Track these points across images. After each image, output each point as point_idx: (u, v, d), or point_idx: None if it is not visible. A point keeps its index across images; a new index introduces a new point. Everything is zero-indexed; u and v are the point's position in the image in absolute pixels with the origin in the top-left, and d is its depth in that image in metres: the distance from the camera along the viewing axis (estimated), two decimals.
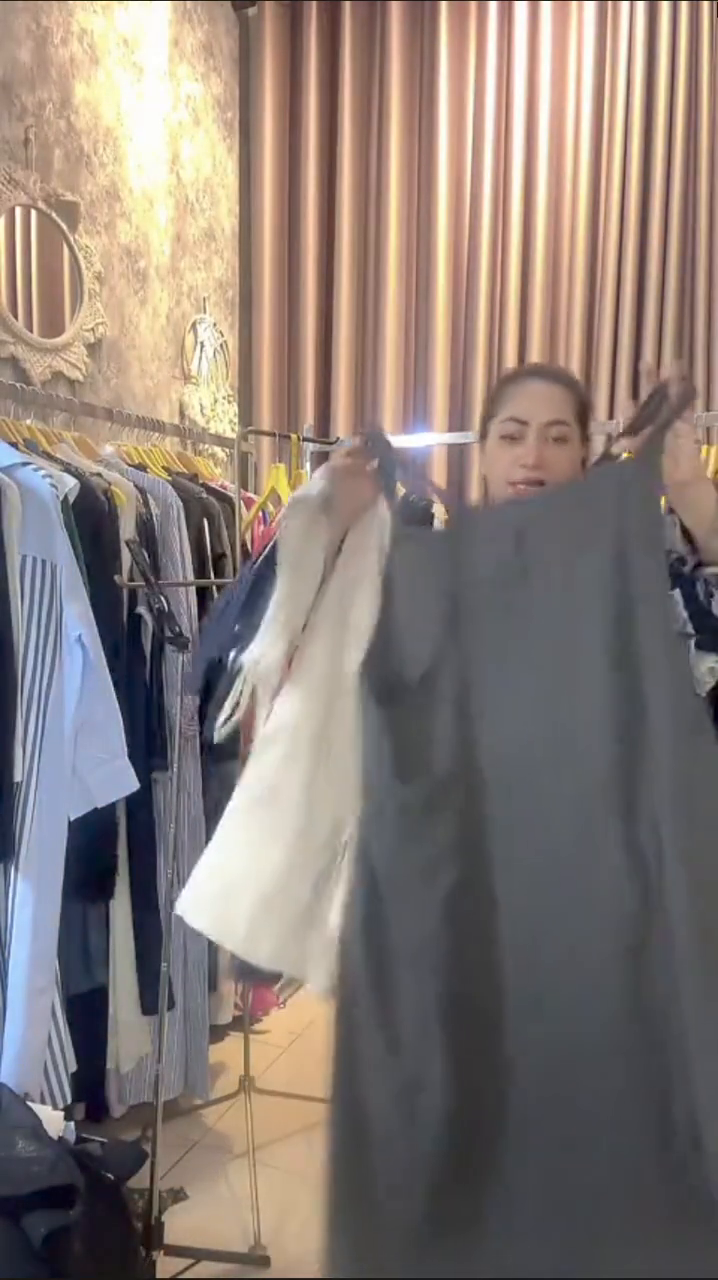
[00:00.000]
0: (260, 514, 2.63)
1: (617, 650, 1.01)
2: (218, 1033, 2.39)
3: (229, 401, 3.24)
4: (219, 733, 1.31)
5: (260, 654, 1.25)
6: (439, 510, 2.81)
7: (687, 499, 1.25)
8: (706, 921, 0.90)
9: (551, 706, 1.04)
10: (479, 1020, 0.98)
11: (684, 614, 1.32)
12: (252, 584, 1.32)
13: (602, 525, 1.08)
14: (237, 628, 1.31)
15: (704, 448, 2.36)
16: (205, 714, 1.53)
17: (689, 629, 1.31)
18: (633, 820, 0.96)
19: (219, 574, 2.25)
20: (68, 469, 1.84)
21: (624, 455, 1.31)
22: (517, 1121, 0.95)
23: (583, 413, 1.40)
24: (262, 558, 1.33)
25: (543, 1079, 0.96)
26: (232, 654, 1.31)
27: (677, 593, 1.28)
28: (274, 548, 1.28)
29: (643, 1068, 0.93)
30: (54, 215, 2.39)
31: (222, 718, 1.31)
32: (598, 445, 3.00)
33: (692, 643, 2.27)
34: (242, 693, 1.29)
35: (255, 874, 1.23)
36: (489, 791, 1.05)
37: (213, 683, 1.34)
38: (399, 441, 3.00)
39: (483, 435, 1.45)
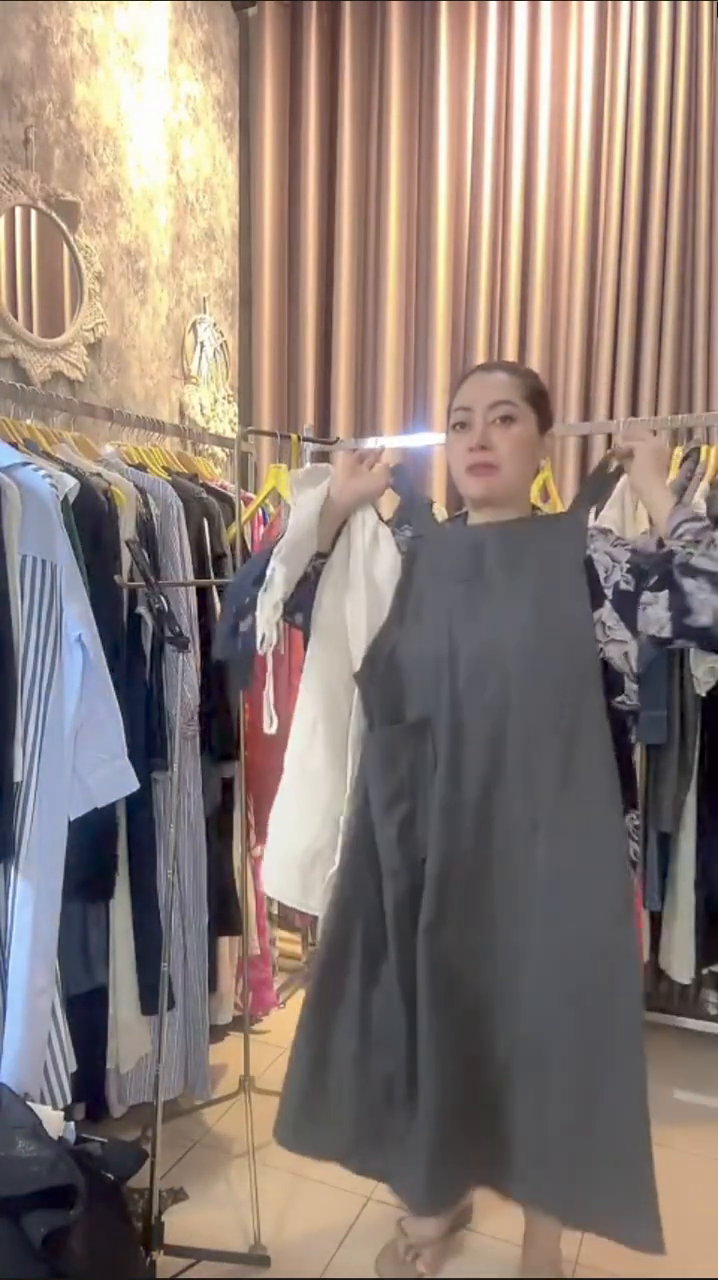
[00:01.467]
0: (260, 513, 2.63)
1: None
2: (218, 1033, 2.39)
3: (229, 401, 3.24)
4: (223, 647, 1.60)
5: (268, 582, 1.48)
6: (439, 510, 2.82)
7: (645, 500, 1.45)
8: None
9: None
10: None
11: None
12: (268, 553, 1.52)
13: (535, 554, 1.41)
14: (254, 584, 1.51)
15: (705, 448, 2.37)
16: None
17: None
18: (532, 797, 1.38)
19: (219, 574, 2.25)
20: (68, 469, 1.84)
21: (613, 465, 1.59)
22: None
23: (534, 397, 1.45)
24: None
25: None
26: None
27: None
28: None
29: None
30: (54, 215, 2.39)
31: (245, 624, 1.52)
32: (598, 445, 3.01)
33: (692, 644, 2.27)
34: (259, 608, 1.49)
35: (298, 841, 1.56)
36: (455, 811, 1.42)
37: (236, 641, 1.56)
38: (399, 441, 3.01)
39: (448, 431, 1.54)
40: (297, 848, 1.55)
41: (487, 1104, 1.43)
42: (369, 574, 1.51)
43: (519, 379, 1.45)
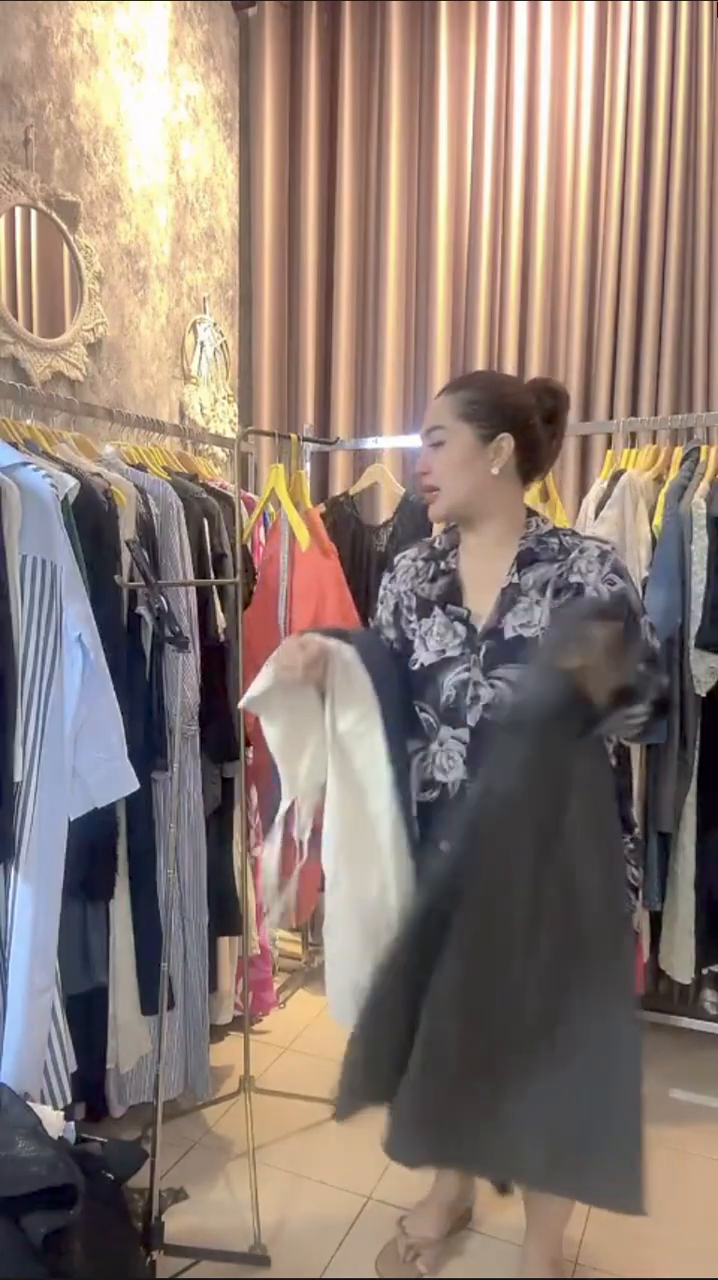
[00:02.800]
0: (262, 517, 2.63)
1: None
2: (218, 1033, 2.40)
3: (229, 401, 3.24)
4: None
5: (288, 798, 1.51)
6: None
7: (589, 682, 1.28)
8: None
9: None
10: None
11: None
12: None
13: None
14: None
15: (704, 448, 2.37)
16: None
17: None
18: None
19: (219, 574, 2.25)
20: (68, 469, 1.84)
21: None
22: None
23: (469, 410, 1.46)
24: None
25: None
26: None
27: None
28: None
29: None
30: (54, 215, 2.39)
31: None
32: (598, 445, 3.01)
33: (692, 643, 2.29)
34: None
35: (352, 967, 1.49)
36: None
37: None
38: (399, 441, 3.01)
39: None
40: (357, 972, 1.46)
41: (486, 1070, 1.41)
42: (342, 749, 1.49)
43: (455, 395, 1.49)
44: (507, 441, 1.46)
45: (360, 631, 1.57)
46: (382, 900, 1.45)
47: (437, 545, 1.59)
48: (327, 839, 1.49)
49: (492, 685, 1.43)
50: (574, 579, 1.42)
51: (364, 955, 1.42)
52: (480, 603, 1.48)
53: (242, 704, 1.45)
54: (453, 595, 1.51)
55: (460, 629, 1.47)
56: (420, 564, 1.58)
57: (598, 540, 1.48)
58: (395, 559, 1.64)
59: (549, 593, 1.43)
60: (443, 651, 1.47)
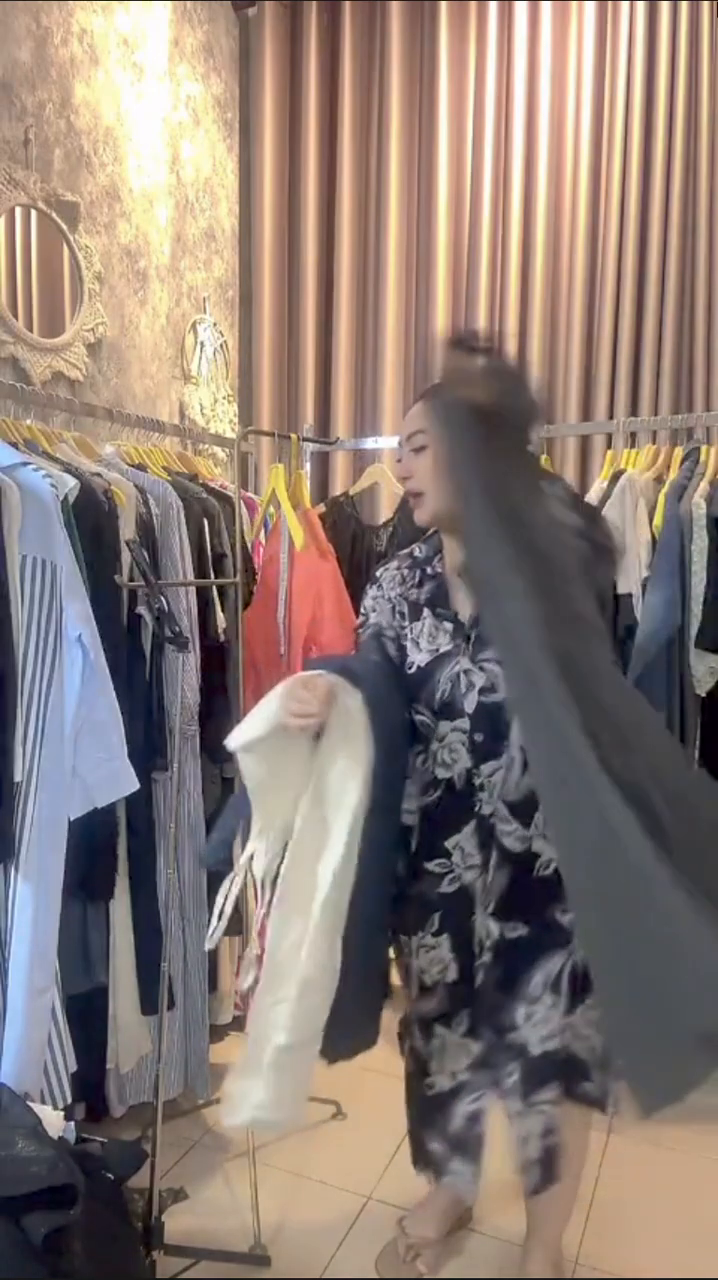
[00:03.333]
0: (263, 520, 2.63)
1: None
2: (218, 1033, 2.39)
3: (229, 401, 3.24)
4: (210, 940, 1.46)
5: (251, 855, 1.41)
6: None
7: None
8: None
9: None
10: None
11: None
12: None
13: None
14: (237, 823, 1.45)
15: (705, 448, 2.37)
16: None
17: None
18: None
19: (219, 574, 2.25)
20: (68, 469, 1.84)
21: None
22: None
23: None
24: None
25: None
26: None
27: None
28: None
29: None
30: (54, 215, 2.39)
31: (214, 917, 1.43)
32: (598, 445, 3.01)
33: (692, 643, 2.29)
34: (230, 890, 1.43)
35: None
36: None
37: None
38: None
39: None
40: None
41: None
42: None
43: (429, 404, 1.49)
44: None
45: (366, 662, 1.52)
46: (293, 956, 1.37)
47: (417, 554, 1.62)
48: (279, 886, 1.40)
49: (482, 669, 1.46)
50: None
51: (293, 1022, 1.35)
52: (467, 604, 1.51)
53: (234, 745, 1.37)
54: (440, 598, 1.54)
55: (449, 626, 1.51)
56: (405, 571, 1.61)
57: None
58: (378, 572, 1.66)
59: None
60: (437, 650, 1.50)
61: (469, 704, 1.46)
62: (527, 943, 1.48)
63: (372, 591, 1.63)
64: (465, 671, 1.47)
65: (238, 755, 1.38)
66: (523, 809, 1.46)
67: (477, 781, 1.47)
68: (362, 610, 1.64)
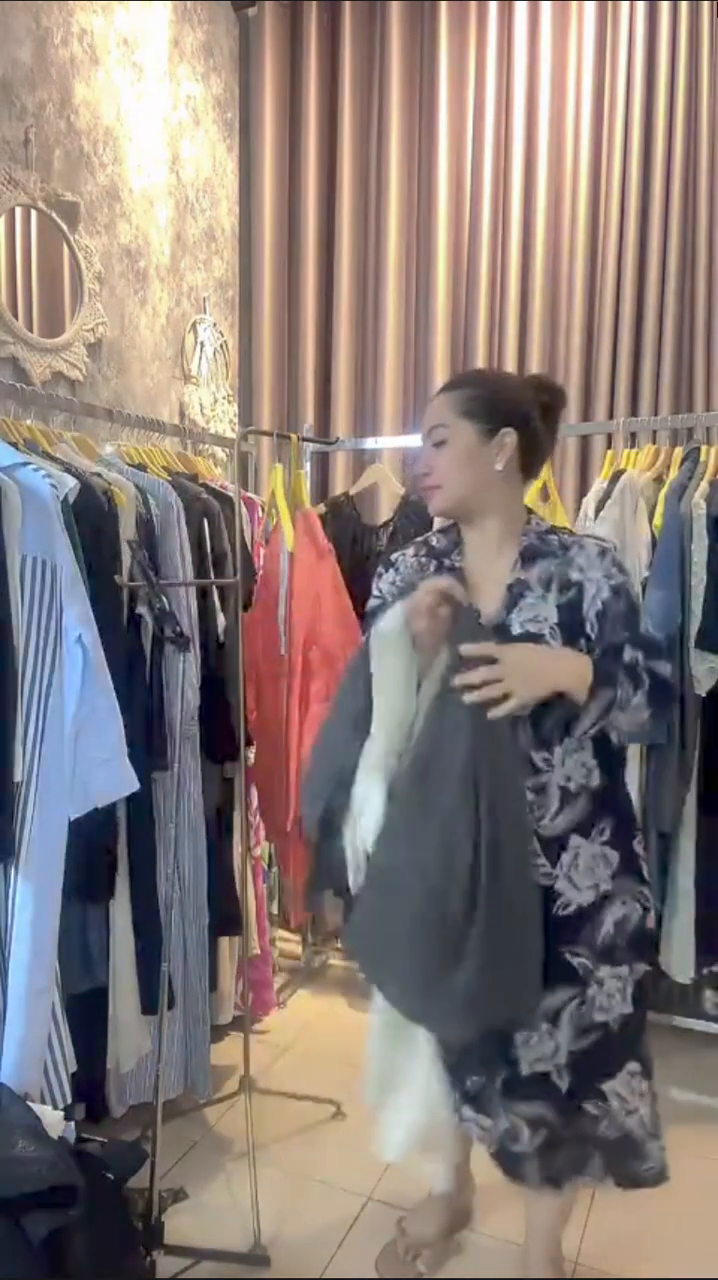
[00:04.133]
0: (262, 521, 2.64)
1: None
2: (218, 1033, 2.39)
3: (229, 401, 3.24)
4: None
5: (363, 799, 1.42)
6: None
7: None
8: None
9: None
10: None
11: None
12: (341, 706, 1.49)
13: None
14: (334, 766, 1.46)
15: (705, 448, 2.37)
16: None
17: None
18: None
19: (219, 574, 2.25)
20: (68, 469, 1.84)
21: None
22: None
23: (470, 406, 1.45)
24: (346, 685, 1.50)
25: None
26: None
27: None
28: (354, 672, 1.46)
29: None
30: (54, 215, 2.39)
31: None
32: (598, 445, 3.01)
33: (692, 643, 2.28)
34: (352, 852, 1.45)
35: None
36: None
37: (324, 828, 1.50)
38: (399, 442, 3.02)
39: None
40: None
41: None
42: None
43: (455, 393, 1.48)
44: (510, 437, 1.45)
45: None
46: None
47: (434, 544, 1.57)
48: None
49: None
50: (575, 576, 1.43)
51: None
52: (487, 601, 1.46)
53: (373, 634, 1.41)
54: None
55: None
56: (423, 559, 1.56)
57: (596, 538, 1.49)
58: (393, 556, 1.60)
59: (555, 588, 1.43)
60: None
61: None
62: None
63: (388, 575, 1.58)
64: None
65: (373, 640, 1.42)
66: (553, 847, 1.42)
67: None
68: (376, 591, 1.58)
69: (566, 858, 1.42)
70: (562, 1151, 1.47)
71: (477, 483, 1.47)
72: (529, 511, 1.53)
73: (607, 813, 1.45)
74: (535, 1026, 1.43)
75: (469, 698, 1.30)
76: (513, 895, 1.32)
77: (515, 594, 1.44)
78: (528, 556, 1.46)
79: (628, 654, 1.38)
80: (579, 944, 1.43)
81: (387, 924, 1.36)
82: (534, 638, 1.40)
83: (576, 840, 1.43)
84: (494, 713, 1.30)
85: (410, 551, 1.58)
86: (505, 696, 1.30)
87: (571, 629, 1.41)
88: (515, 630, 1.42)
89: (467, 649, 1.32)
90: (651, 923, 1.51)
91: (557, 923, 1.42)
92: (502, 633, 1.41)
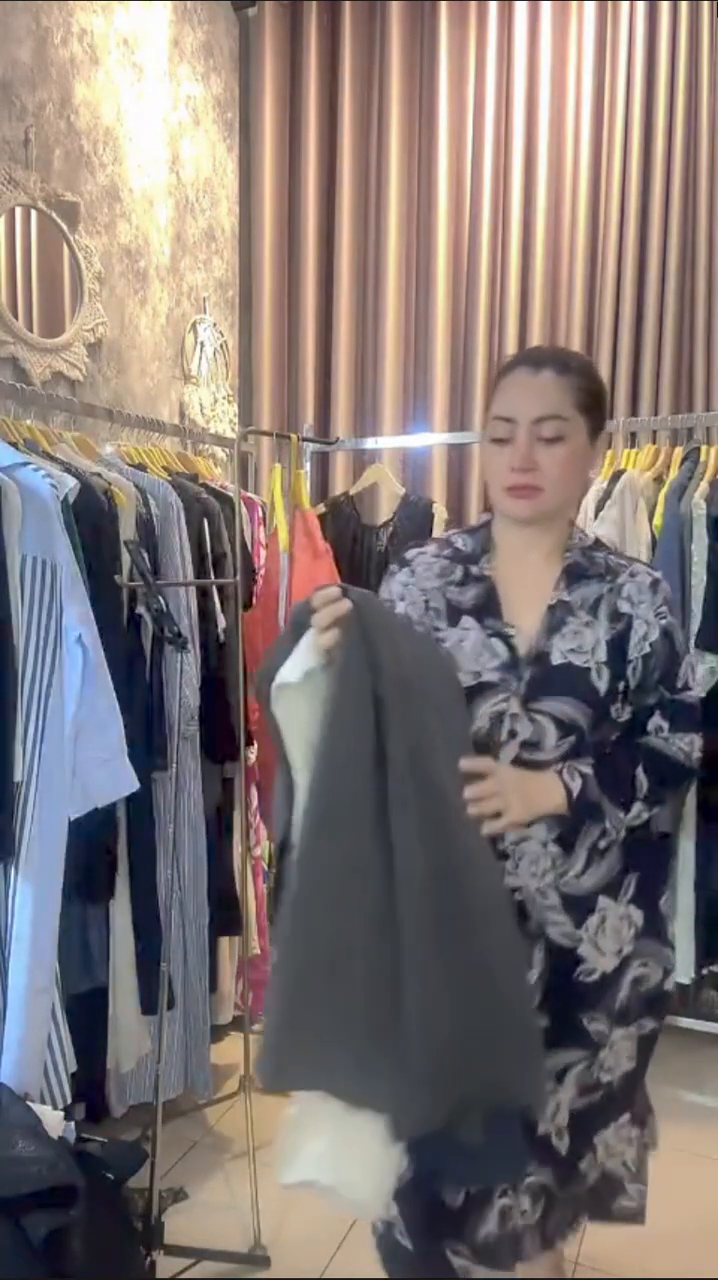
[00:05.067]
0: (261, 515, 2.64)
1: None
2: (218, 1033, 2.40)
3: (229, 401, 3.24)
4: None
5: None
6: (439, 510, 2.82)
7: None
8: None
9: None
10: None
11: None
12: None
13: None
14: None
15: (705, 448, 2.37)
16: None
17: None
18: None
19: (219, 574, 2.25)
20: (68, 469, 1.84)
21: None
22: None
23: (588, 401, 1.25)
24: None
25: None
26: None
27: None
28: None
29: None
30: (54, 215, 2.39)
31: None
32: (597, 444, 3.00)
33: (693, 643, 2.27)
34: None
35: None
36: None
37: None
38: (399, 442, 3.01)
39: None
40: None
41: None
42: None
43: (572, 380, 1.24)
44: (602, 442, 1.31)
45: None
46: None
47: (460, 545, 1.36)
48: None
49: (532, 720, 1.24)
50: (624, 608, 1.28)
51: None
52: (523, 620, 1.28)
53: (292, 678, 1.12)
54: (491, 607, 1.29)
55: (501, 649, 1.26)
56: (445, 562, 1.34)
57: (647, 567, 1.34)
58: (408, 554, 1.38)
59: (604, 618, 1.27)
60: (479, 674, 1.24)
61: (506, 755, 1.24)
62: (545, 1033, 1.27)
63: (400, 576, 1.35)
64: (512, 716, 1.24)
65: (283, 695, 1.14)
66: (579, 907, 1.27)
67: (500, 847, 1.23)
68: (386, 594, 1.35)
69: (592, 921, 1.27)
70: (557, 1212, 1.34)
71: (576, 491, 1.31)
72: (571, 524, 1.37)
73: (634, 866, 1.31)
74: (542, 1106, 1.24)
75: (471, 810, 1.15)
76: (476, 945, 1.12)
77: (558, 617, 1.27)
78: (573, 575, 1.29)
79: (648, 740, 1.28)
80: (599, 1009, 1.31)
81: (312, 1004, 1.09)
82: (579, 672, 1.24)
83: (603, 902, 1.28)
84: (488, 828, 1.17)
85: (431, 550, 1.37)
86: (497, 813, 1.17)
87: (615, 669, 1.25)
88: (556, 660, 1.25)
89: (466, 764, 1.16)
90: (670, 984, 1.38)
91: (579, 989, 1.28)
92: (540, 661, 1.25)
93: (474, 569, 1.32)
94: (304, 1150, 1.11)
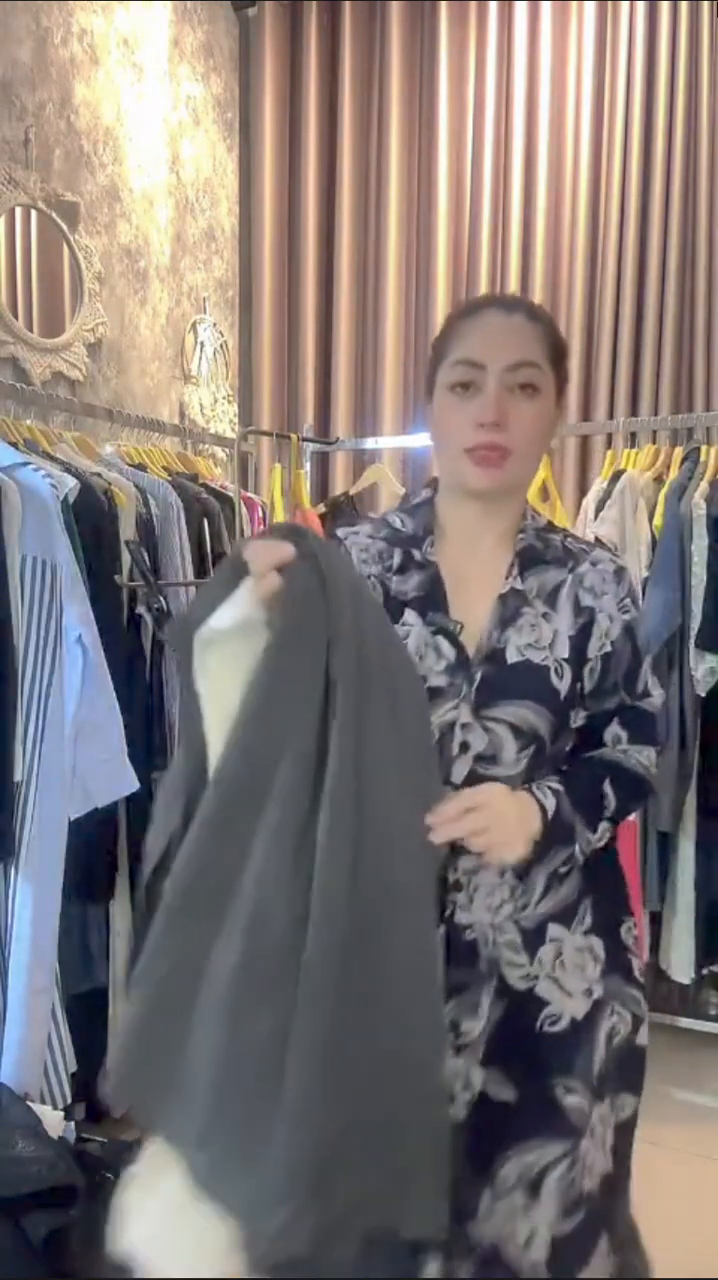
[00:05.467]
0: (261, 515, 2.63)
1: None
2: None
3: (229, 401, 3.24)
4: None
5: None
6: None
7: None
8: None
9: None
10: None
11: None
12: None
13: None
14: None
15: (705, 448, 2.37)
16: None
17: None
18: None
19: None
20: (68, 469, 1.85)
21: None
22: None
23: (558, 356, 1.11)
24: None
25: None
26: None
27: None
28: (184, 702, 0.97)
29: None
30: (54, 215, 2.39)
31: None
32: (598, 445, 3.01)
33: (693, 643, 2.27)
34: None
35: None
36: None
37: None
38: (399, 442, 3.01)
39: (429, 390, 1.15)
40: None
41: None
42: None
43: (543, 328, 1.10)
44: (564, 410, 1.17)
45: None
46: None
47: (399, 525, 1.16)
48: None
49: (486, 729, 1.06)
50: (586, 600, 1.11)
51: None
52: (472, 612, 1.09)
53: (204, 634, 0.89)
54: (435, 598, 1.10)
55: (447, 648, 1.08)
56: (382, 545, 1.14)
57: (608, 551, 1.20)
58: (340, 532, 1.18)
59: (566, 609, 1.10)
60: (424, 679, 1.05)
61: (458, 773, 1.06)
62: (512, 1113, 1.05)
63: None
64: (463, 726, 1.06)
65: (210, 651, 0.90)
66: (531, 940, 1.08)
67: (450, 878, 1.05)
68: None
69: (545, 953, 1.07)
70: None
71: (539, 462, 1.15)
72: (525, 502, 1.19)
73: (590, 891, 1.12)
74: (438, 1235, 0.94)
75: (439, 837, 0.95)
76: (392, 1018, 0.86)
77: (511, 608, 1.09)
78: (527, 561, 1.12)
79: (607, 754, 1.13)
80: (574, 1075, 1.06)
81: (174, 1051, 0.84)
82: (538, 671, 1.07)
83: (556, 930, 1.08)
84: (491, 858, 1.01)
85: (365, 531, 1.16)
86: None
87: (575, 669, 1.09)
88: (512, 657, 1.07)
89: (443, 810, 0.95)
90: (643, 1038, 1.14)
91: (546, 1045, 1.06)
92: (494, 660, 1.07)
93: (417, 554, 1.13)
94: (133, 1217, 0.86)
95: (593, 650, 1.11)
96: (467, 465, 1.07)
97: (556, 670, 1.08)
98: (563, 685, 1.08)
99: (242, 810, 0.85)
